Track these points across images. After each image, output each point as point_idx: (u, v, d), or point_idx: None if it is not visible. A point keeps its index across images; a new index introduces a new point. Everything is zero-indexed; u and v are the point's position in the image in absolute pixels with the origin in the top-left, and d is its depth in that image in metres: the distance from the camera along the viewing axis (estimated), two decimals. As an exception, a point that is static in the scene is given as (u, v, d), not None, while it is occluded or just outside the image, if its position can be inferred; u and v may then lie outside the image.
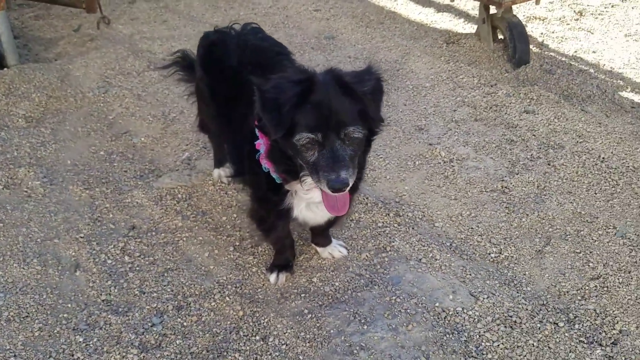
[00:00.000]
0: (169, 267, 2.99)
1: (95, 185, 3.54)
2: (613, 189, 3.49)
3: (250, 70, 2.68)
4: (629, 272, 2.88)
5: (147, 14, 6.02)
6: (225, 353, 2.53)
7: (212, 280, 2.90)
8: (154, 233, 3.20)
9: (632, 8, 6.16)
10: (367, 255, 3.01)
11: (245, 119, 2.56)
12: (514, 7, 4.76)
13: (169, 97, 4.50)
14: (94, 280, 2.91)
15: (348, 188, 2.10)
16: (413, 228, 3.18)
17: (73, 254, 3.06)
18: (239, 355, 2.51)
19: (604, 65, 5.04)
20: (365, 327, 2.60)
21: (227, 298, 2.80)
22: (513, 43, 4.70)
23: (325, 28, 5.63)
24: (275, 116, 2.10)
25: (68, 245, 3.11)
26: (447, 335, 2.56)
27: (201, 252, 3.08)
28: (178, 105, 4.38)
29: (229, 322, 2.68)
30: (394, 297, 2.74)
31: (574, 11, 6.06)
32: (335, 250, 3.00)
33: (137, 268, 2.99)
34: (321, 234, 2.96)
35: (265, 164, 2.36)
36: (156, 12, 6.06)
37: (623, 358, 2.46)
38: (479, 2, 4.95)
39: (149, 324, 2.66)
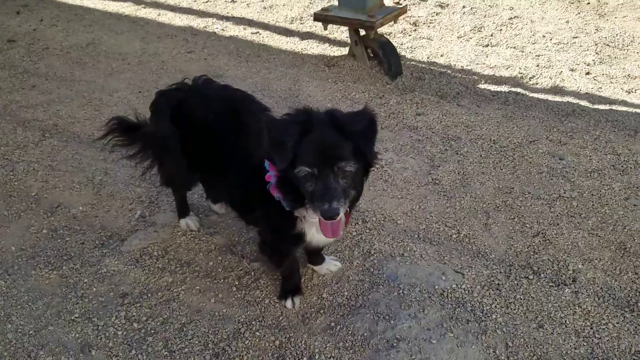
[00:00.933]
0: (183, 321, 3.05)
1: (59, 264, 3.41)
2: (512, 163, 4.27)
3: (227, 119, 2.94)
4: (557, 224, 3.62)
5: (9, 82, 5.66)
6: (284, 380, 2.72)
7: (233, 322, 3.03)
8: (149, 294, 3.22)
9: (453, 13, 7.28)
10: (358, 262, 3.37)
11: (246, 160, 2.79)
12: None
13: (84, 162, 4.39)
14: (115, 354, 2.88)
15: (339, 217, 2.36)
16: (383, 229, 3.61)
17: (77, 335, 2.98)
18: (298, 378, 2.72)
19: (455, 65, 5.96)
20: (392, 322, 2.96)
21: (257, 333, 2.97)
22: (387, 59, 5.38)
23: (207, 68, 5.83)
24: (279, 151, 2.38)
25: (66, 329, 3.01)
26: (457, 310, 3.03)
27: (206, 299, 3.19)
28: (97, 168, 4.30)
29: (270, 354, 2.86)
30: (400, 291, 3.14)
31: (409, 23, 6.99)
32: (331, 264, 3.32)
33: (153, 331, 3.01)
34: (317, 254, 3.25)
35: (277, 194, 2.60)
36: (19, 79, 5.73)
37: (584, 290, 3.14)
38: (347, 28, 5.55)
39: (197, 378, 2.75)
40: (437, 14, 7.26)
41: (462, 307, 3.03)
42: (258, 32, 6.64)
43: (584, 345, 2.83)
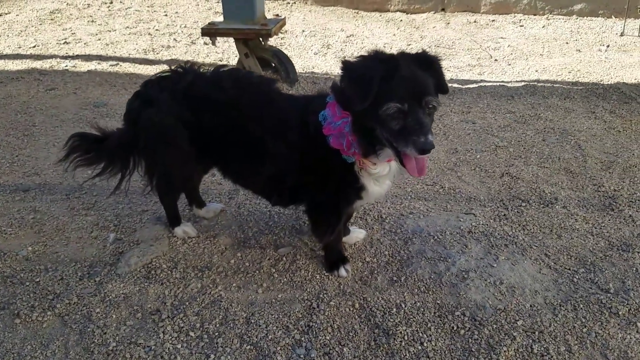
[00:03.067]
0: (244, 316, 2.73)
1: (47, 305, 2.79)
2: (439, 132, 4.71)
3: (253, 97, 2.82)
4: (512, 165, 4.10)
5: None
6: (390, 331, 2.62)
7: (298, 301, 2.81)
8: (186, 303, 2.81)
9: (296, 37, 7.73)
10: (377, 227, 3.39)
11: (287, 130, 2.69)
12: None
13: (-3, 206, 3.66)
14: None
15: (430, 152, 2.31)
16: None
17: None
18: (403, 328, 2.64)
19: (332, 72, 6.33)
20: (449, 260, 3.05)
21: (332, 302, 2.80)
22: (284, 66, 5.51)
23: (83, 100, 5.28)
24: (362, 88, 2.31)
25: None
26: (490, 239, 3.25)
27: (252, 292, 2.90)
28: (20, 209, 3.62)
29: (357, 316, 2.72)
30: (434, 238, 3.25)
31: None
32: (358, 232, 3.28)
33: (217, 333, 2.63)
34: (345, 226, 3.20)
35: (345, 143, 2.51)
36: None
37: (569, 203, 3.62)
38: (234, 41, 5.56)
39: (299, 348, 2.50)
40: (282, 39, 7.62)
41: (493, 237, 3.26)
42: (118, 63, 6.23)
43: (599, 239, 3.26)
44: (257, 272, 3.03)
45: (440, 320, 2.67)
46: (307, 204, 2.88)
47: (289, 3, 8.74)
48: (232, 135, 2.83)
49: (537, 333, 2.57)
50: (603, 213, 3.49)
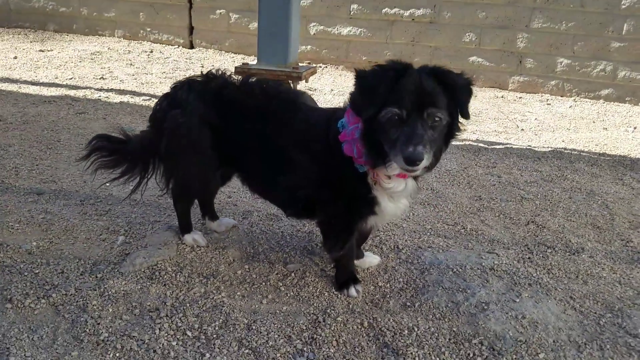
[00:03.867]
0: (246, 322, 2.58)
1: (42, 294, 2.68)
2: (464, 182, 4.62)
3: (280, 105, 2.82)
4: (538, 215, 3.97)
5: None
6: (399, 351, 2.44)
7: (304, 315, 2.66)
8: (187, 305, 2.67)
9: (325, 94, 7.85)
10: (392, 256, 3.25)
11: (306, 140, 2.66)
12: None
13: (10, 204, 3.61)
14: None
15: (421, 165, 2.15)
16: (394, 232, 3.56)
17: (119, 355, 2.33)
18: (415, 350, 2.46)
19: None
20: (468, 292, 2.87)
21: (339, 319, 2.63)
22: (310, 110, 5.54)
23: (111, 125, 5.29)
24: (370, 96, 2.28)
25: (98, 351, 2.35)
26: (514, 278, 3.08)
27: (256, 302, 2.75)
28: (31, 209, 3.56)
29: (365, 333, 2.55)
30: (453, 271, 3.09)
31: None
32: (372, 258, 3.14)
33: (215, 335, 2.49)
34: (358, 248, 3.08)
35: (356, 151, 2.43)
36: None
37: (596, 254, 3.45)
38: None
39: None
40: (312, 94, 7.73)
41: (516, 276, 3.09)
42: (150, 98, 6.35)
43: (627, 288, 3.07)
44: (264, 284, 2.89)
45: (456, 346, 2.49)
46: (320, 215, 2.78)
47: (320, 66, 8.96)
48: (256, 143, 2.80)
49: (560, 367, 2.36)
50: (631, 266, 3.32)
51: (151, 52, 8.84)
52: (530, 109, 7.55)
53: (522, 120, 6.94)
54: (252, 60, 5.79)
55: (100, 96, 6.36)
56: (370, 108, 2.27)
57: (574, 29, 8.03)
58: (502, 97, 8.12)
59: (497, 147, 5.60)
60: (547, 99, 8.16)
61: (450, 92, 2.32)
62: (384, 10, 8.52)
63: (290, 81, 5.41)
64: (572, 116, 7.31)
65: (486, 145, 5.62)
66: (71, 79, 7.05)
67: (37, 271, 2.87)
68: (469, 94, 2.40)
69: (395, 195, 2.63)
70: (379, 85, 2.26)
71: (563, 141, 6.06)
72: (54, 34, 9.53)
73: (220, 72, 2.96)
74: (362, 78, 2.36)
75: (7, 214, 3.45)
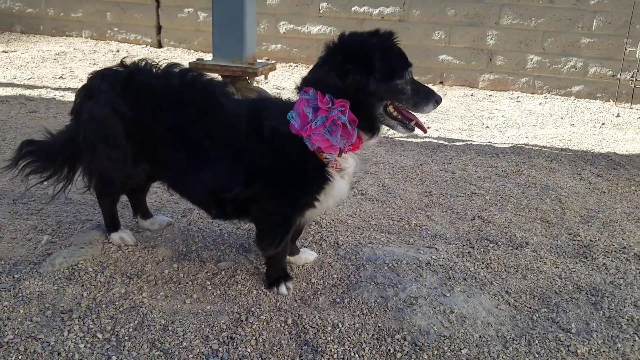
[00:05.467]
0: (163, 323, 2.48)
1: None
2: (417, 177, 4.54)
3: (201, 96, 2.72)
4: (486, 209, 3.90)
5: None
6: (319, 349, 2.35)
7: (226, 314, 2.56)
8: (102, 306, 2.57)
9: (292, 93, 7.75)
10: (331, 252, 3.16)
11: (241, 132, 2.58)
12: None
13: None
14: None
15: None
16: (337, 228, 3.47)
17: (21, 357, 2.23)
18: (335, 346, 2.37)
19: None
20: (399, 286, 2.79)
21: (262, 317, 2.54)
22: (267, 107, 5.44)
23: (60, 124, 5.21)
24: (398, 59, 2.46)
25: (2, 353, 2.23)
26: (449, 272, 2.99)
27: (179, 302, 2.65)
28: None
29: (287, 331, 2.46)
30: (388, 266, 3.00)
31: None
32: (308, 254, 3.05)
33: (127, 337, 2.39)
34: (293, 243, 2.98)
35: (323, 142, 2.38)
36: None
37: (540, 248, 3.38)
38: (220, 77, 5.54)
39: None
40: (278, 94, 7.64)
41: (452, 270, 3.01)
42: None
43: (567, 282, 2.99)
44: (190, 283, 2.79)
45: (377, 342, 2.40)
46: (255, 212, 2.67)
47: (291, 65, 8.87)
48: (171, 136, 2.70)
49: (482, 364, 2.28)
50: (575, 260, 3.25)
51: (117, 51, 8.71)
52: (498, 107, 7.50)
53: (488, 118, 6.88)
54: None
55: (55, 95, 6.23)
56: (407, 68, 2.45)
57: (544, 25, 7.97)
58: (472, 95, 8.07)
59: (457, 144, 5.53)
60: (518, 97, 8.11)
61: None
62: (353, 9, 8.43)
63: (247, 77, 5.32)
64: (540, 113, 7.26)
65: (446, 142, 5.55)
66: (30, 79, 6.91)
67: (-49, 273, 2.75)
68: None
69: (346, 175, 2.60)
70: (393, 48, 2.46)
71: (526, 137, 6.01)
72: (20, 35, 9.38)
73: (142, 62, 2.85)
74: (379, 49, 2.37)
75: None
